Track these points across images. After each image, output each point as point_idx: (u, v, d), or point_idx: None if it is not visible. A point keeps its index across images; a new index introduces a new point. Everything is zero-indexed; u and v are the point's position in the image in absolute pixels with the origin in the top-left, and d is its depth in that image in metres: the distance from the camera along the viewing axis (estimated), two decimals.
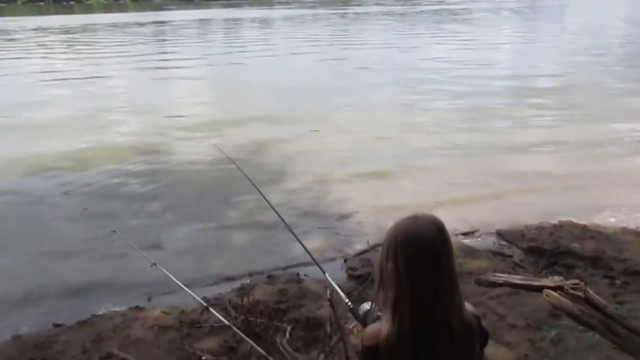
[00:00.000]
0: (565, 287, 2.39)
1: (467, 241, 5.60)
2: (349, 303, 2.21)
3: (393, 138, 9.53)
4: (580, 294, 2.34)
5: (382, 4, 55.18)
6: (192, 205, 6.85)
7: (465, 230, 5.80)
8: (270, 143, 9.24)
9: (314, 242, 5.69)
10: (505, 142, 9.08)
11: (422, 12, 45.20)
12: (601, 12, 39.94)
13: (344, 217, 6.30)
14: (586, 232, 5.60)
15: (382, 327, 1.43)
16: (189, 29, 38.25)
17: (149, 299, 4.71)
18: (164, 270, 3.28)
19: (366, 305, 2.05)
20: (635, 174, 7.61)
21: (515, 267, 4.93)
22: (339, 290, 2.40)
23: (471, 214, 6.20)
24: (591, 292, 2.38)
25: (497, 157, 8.39)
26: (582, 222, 5.91)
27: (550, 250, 5.20)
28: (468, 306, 1.49)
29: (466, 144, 9.03)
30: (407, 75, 15.97)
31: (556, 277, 2.58)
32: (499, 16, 40.00)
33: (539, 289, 2.62)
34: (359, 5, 46.56)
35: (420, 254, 1.36)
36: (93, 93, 14.62)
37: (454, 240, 5.63)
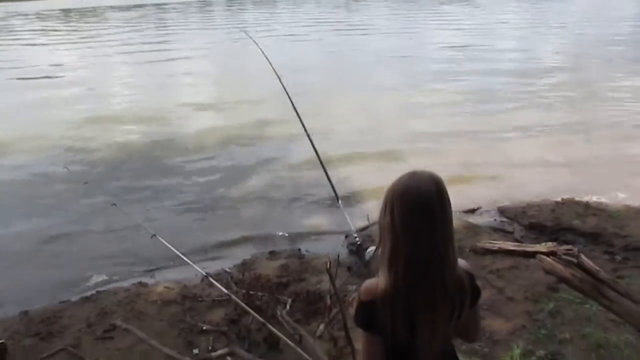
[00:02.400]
0: (558, 253, 2.40)
1: (468, 218, 5.61)
2: (357, 238, 2.24)
3: (397, 120, 9.49)
4: (573, 259, 2.35)
5: None
6: (192, 183, 6.90)
7: (467, 207, 5.80)
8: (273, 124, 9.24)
9: (317, 219, 5.75)
10: (508, 124, 9.02)
11: None
12: None
13: (347, 195, 6.32)
14: (588, 210, 5.60)
15: (378, 281, 1.44)
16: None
17: (152, 275, 4.77)
18: (165, 242, 3.32)
19: (373, 248, 2.05)
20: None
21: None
22: (348, 222, 2.40)
23: (473, 192, 6.20)
24: (584, 257, 2.39)
25: (500, 138, 8.36)
26: (584, 200, 5.91)
27: (551, 226, 5.21)
28: (462, 262, 1.51)
29: (470, 125, 8.98)
30: (412, 61, 15.83)
31: (549, 243, 2.60)
32: None
33: (533, 254, 2.63)
34: None
35: (414, 207, 1.37)
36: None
37: (456, 217, 5.65)
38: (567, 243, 4.91)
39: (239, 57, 16.02)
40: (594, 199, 6.02)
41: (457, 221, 5.57)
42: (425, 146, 7.98)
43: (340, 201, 2.71)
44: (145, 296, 4.37)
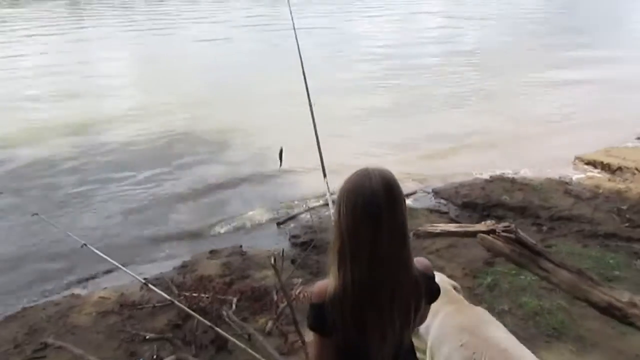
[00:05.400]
0: (497, 230, 2.48)
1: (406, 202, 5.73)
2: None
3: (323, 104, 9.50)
4: (512, 235, 2.44)
5: None
6: (119, 183, 6.56)
7: (405, 192, 5.93)
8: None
9: (254, 212, 5.67)
10: (431, 102, 9.33)
11: None
12: None
13: (278, 184, 6.28)
14: (514, 185, 5.90)
15: (328, 282, 1.40)
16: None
17: (85, 286, 4.50)
18: (96, 251, 3.12)
19: None
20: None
21: (452, 223, 5.12)
22: None
23: (406, 175, 6.34)
24: (521, 232, 2.50)
25: (424, 117, 8.61)
26: (510, 176, 6.24)
27: (482, 204, 5.44)
28: (421, 263, 1.48)
29: (393, 104, 9.19)
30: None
31: (489, 222, 2.69)
32: None
33: (474, 234, 2.72)
34: None
35: (360, 206, 1.33)
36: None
37: None
38: (498, 218, 5.15)
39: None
40: (520, 172, 6.41)
41: None
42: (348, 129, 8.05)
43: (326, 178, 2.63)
44: (78, 308, 4.11)
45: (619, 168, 6.27)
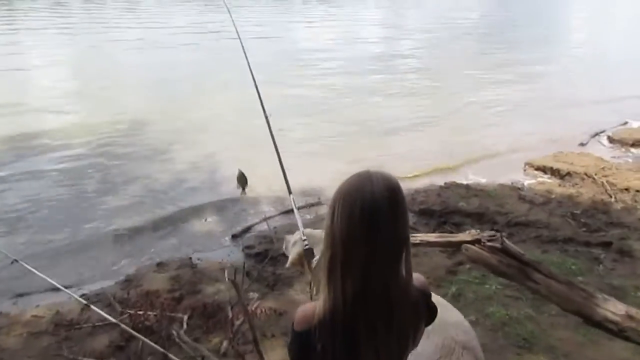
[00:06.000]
0: (482, 240, 2.35)
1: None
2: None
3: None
4: (497, 244, 2.31)
5: None
6: (59, 195, 6.05)
7: None
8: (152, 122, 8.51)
9: (203, 221, 5.35)
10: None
11: None
12: None
13: (233, 196, 5.96)
14: (470, 191, 5.89)
15: (316, 305, 1.20)
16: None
17: (15, 303, 4.06)
18: (29, 267, 2.77)
19: (296, 236, 1.81)
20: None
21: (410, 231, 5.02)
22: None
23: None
24: (508, 241, 2.37)
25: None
26: (464, 182, 6.23)
27: (439, 210, 5.38)
28: (417, 280, 1.29)
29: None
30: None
31: (473, 231, 2.55)
32: None
33: (457, 244, 2.57)
34: None
35: (358, 210, 1.14)
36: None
37: None
38: (456, 224, 5.10)
39: None
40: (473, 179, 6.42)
41: None
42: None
43: (292, 195, 2.46)
44: (7, 329, 3.69)
45: (568, 173, 6.39)
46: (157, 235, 5.09)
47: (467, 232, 2.62)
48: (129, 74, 12.26)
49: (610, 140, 8.10)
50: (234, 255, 4.60)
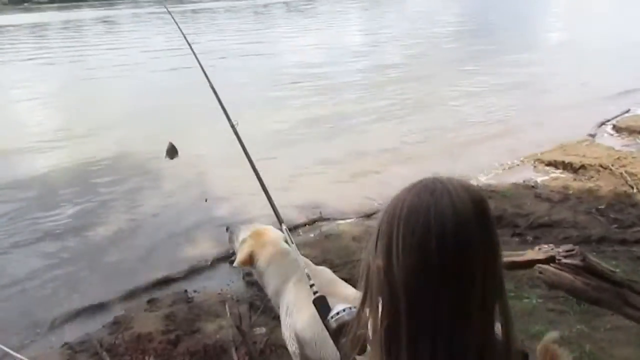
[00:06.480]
0: (557, 257, 1.90)
1: (368, 222, 5.15)
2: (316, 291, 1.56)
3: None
4: (578, 261, 1.87)
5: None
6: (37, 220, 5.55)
7: (366, 212, 5.34)
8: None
9: (196, 247, 4.88)
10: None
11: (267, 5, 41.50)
12: None
13: (226, 214, 5.48)
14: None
15: None
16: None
17: None
18: None
19: (339, 308, 1.37)
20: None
21: None
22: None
23: (356, 193, 5.80)
24: (590, 257, 1.92)
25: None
26: (474, 184, 5.82)
27: None
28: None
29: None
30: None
31: (545, 246, 2.07)
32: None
33: (525, 265, 2.09)
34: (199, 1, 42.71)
35: (435, 239, 0.73)
36: None
37: (358, 224, 5.15)
38: None
39: None
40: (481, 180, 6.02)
41: (359, 227, 5.10)
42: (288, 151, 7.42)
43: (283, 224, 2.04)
44: None
45: (582, 166, 6.00)
46: (146, 267, 4.59)
47: (537, 248, 2.13)
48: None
49: (617, 129, 7.74)
50: (234, 284, 4.12)
